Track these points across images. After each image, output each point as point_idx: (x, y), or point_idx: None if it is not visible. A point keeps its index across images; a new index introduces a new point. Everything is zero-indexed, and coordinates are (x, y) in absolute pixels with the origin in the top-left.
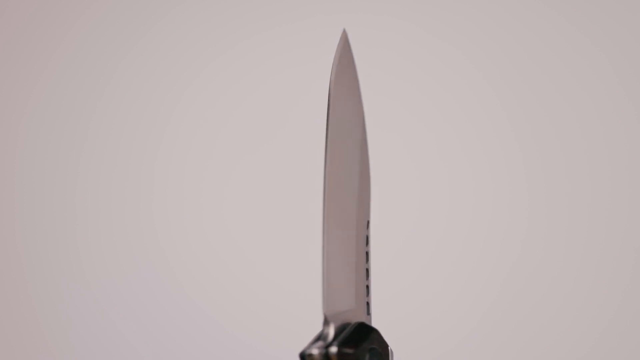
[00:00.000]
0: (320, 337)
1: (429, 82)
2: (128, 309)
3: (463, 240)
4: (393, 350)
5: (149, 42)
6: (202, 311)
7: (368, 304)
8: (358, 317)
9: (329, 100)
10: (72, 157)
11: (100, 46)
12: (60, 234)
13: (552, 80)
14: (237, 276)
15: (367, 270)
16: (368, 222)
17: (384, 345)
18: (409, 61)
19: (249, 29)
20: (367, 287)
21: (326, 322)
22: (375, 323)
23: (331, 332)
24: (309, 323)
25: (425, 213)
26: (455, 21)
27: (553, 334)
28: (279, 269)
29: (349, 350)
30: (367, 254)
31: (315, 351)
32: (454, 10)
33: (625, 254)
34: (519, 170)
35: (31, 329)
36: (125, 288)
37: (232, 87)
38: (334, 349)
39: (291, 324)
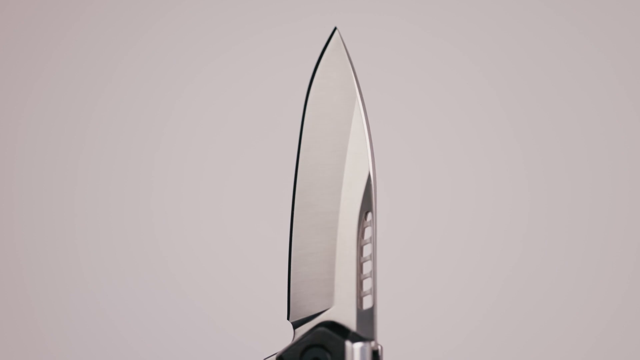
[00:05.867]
0: None
1: (429, 81)
2: (128, 310)
3: (464, 241)
4: (383, 347)
5: (144, 45)
6: (202, 313)
7: (361, 298)
8: (340, 316)
9: (307, 96)
10: (70, 158)
11: (98, 48)
12: (58, 236)
13: (551, 79)
14: (237, 278)
15: (361, 265)
16: (367, 213)
17: (334, 344)
18: (409, 60)
19: (247, 29)
20: (373, 281)
21: (294, 329)
22: (377, 323)
23: (294, 338)
24: None
25: (426, 214)
26: (454, 20)
27: (554, 334)
28: (279, 270)
29: (284, 355)
30: (362, 247)
31: None
32: (453, 9)
33: (625, 254)
34: (519, 170)
35: (30, 330)
36: (125, 290)
37: (229, 89)
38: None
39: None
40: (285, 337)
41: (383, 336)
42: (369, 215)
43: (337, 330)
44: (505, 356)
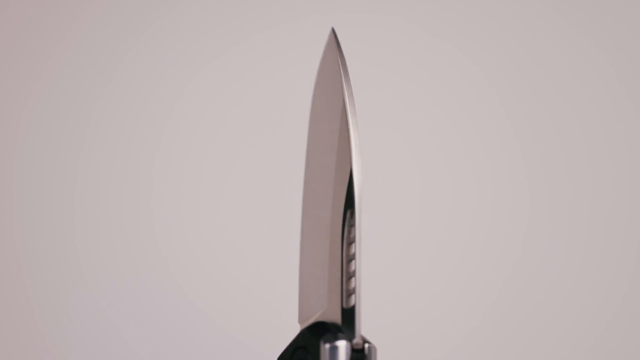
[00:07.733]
0: None
1: (429, 81)
2: (128, 310)
3: (464, 241)
4: (376, 347)
5: (144, 45)
6: (202, 313)
7: (347, 297)
8: (330, 316)
9: (312, 99)
10: (70, 158)
11: (98, 48)
12: (58, 236)
13: (551, 79)
14: (237, 278)
15: (347, 264)
16: (352, 211)
17: (313, 345)
18: (409, 60)
19: (246, 29)
20: (351, 278)
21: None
22: (376, 324)
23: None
24: None
25: (426, 214)
26: (454, 20)
27: (554, 334)
28: (279, 270)
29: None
30: (347, 246)
31: None
32: (453, 9)
33: (625, 254)
34: (519, 170)
35: (30, 330)
36: (125, 290)
37: (229, 89)
38: None
39: (294, 328)
40: (285, 337)
41: (383, 336)
42: (353, 213)
43: (317, 331)
44: (505, 356)
